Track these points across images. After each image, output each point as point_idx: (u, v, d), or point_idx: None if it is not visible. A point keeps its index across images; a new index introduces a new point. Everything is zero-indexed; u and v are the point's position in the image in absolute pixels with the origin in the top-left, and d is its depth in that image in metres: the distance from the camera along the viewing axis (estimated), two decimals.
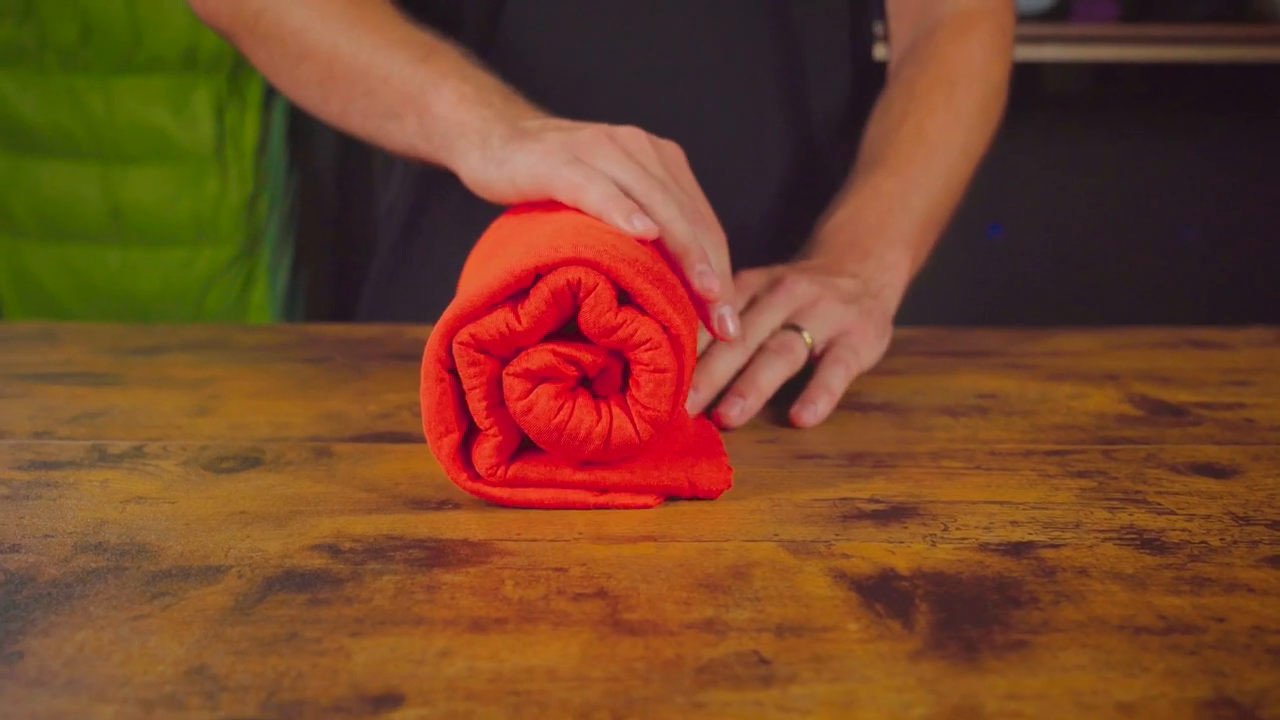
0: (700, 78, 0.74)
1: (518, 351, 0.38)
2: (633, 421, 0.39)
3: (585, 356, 0.38)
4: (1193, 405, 0.54)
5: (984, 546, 0.36)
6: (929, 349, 0.67)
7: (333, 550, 0.36)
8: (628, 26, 0.73)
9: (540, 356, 0.38)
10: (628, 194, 0.46)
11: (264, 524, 0.38)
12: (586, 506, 0.40)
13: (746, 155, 0.76)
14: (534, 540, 0.37)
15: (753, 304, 0.55)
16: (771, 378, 0.50)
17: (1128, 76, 2.11)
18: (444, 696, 0.27)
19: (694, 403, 0.49)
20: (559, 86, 0.73)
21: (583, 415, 0.38)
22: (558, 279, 0.37)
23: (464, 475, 0.40)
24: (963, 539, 0.37)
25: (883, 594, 0.33)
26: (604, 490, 0.40)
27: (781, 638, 0.30)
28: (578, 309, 0.38)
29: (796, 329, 0.53)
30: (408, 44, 0.58)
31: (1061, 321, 2.04)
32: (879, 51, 0.83)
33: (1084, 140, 2.06)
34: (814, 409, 0.50)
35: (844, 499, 0.41)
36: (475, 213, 0.58)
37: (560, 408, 0.38)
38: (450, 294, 0.64)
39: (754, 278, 0.56)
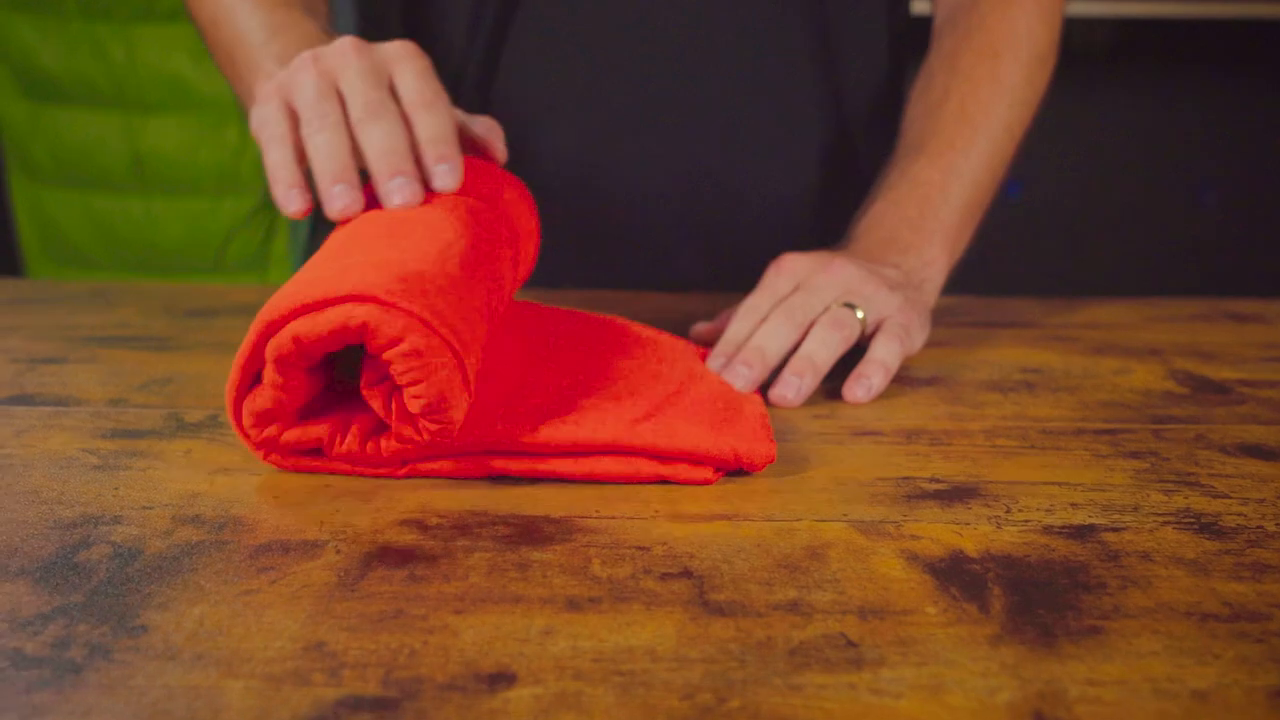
0: (734, 58, 0.74)
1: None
2: (417, 431, 0.39)
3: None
4: (1236, 383, 0.55)
5: (1048, 529, 0.38)
6: (968, 319, 0.68)
7: (421, 526, 0.37)
8: (658, 6, 0.73)
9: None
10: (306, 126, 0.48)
11: (350, 498, 0.40)
12: (649, 479, 0.41)
13: (781, 137, 0.76)
14: (613, 518, 0.38)
15: (803, 284, 0.55)
16: (826, 355, 0.51)
17: (1152, 32, 2.09)
18: (553, 676, 0.28)
19: (748, 380, 0.50)
20: (585, 70, 0.73)
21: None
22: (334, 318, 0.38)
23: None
24: (1026, 521, 0.38)
25: (955, 577, 0.34)
26: (665, 461, 0.42)
27: (865, 620, 0.31)
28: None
29: (849, 305, 0.53)
30: (266, 22, 0.59)
31: (1082, 282, 2.04)
32: (920, 5, 0.82)
33: (1107, 97, 2.05)
34: (868, 384, 0.51)
35: (905, 478, 0.42)
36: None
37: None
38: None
39: (801, 261, 0.56)
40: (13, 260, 1.82)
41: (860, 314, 0.53)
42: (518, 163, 0.76)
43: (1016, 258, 1.98)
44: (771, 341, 0.52)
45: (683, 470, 0.42)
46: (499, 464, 0.41)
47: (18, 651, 0.29)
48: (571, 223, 0.77)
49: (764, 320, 0.53)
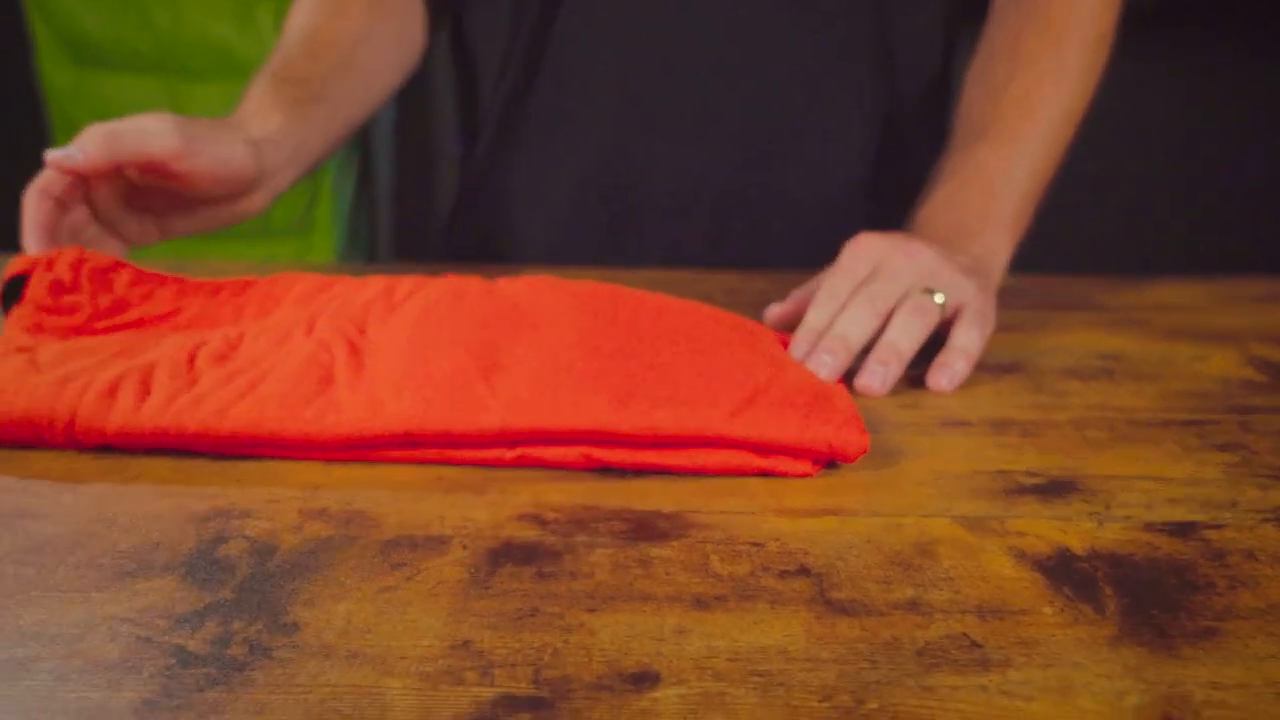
0: (785, 42, 0.74)
1: None
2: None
3: None
4: None
5: (1150, 526, 0.39)
6: (1036, 301, 0.68)
7: (539, 521, 0.39)
8: None
9: None
10: None
11: (464, 491, 0.41)
12: (750, 472, 0.43)
13: (831, 121, 0.76)
14: (722, 512, 0.39)
15: (881, 267, 0.55)
16: (910, 343, 0.52)
17: None
18: (694, 676, 0.30)
19: (831, 369, 0.50)
20: (639, 57, 0.73)
21: None
22: None
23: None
24: (1127, 518, 0.39)
25: (1066, 576, 0.35)
26: (765, 454, 0.43)
27: (985, 620, 0.33)
28: None
29: (928, 291, 0.54)
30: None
31: (1128, 252, 2.02)
32: None
33: (1154, 60, 2.01)
34: (952, 372, 0.52)
35: (1001, 472, 0.43)
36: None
37: None
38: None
39: (879, 242, 0.56)
40: None
41: (940, 300, 0.54)
42: (566, 152, 0.77)
43: (1058, 225, 1.96)
44: (854, 328, 0.52)
45: (783, 463, 0.43)
46: (600, 455, 0.42)
47: (182, 649, 0.31)
48: (622, 212, 0.78)
49: (844, 307, 0.53)
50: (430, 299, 0.52)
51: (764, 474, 0.43)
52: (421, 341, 0.48)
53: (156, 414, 0.43)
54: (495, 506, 0.40)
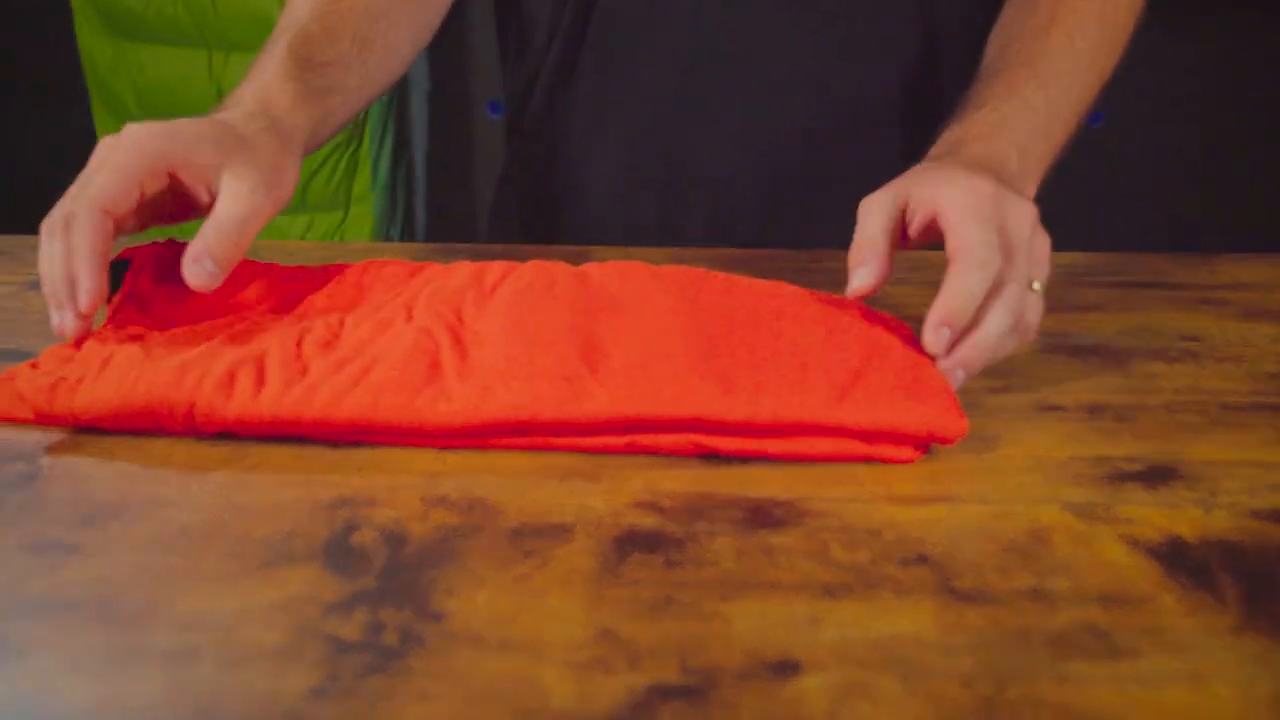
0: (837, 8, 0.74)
1: None
2: None
3: None
4: None
5: (1256, 514, 0.39)
6: (1108, 279, 0.69)
7: (656, 509, 0.40)
8: None
9: None
10: None
11: (578, 479, 0.42)
12: (854, 459, 0.43)
13: (871, 41, 0.76)
14: (834, 500, 0.40)
15: (1009, 254, 0.48)
16: (1001, 344, 0.49)
17: None
18: (834, 663, 0.31)
19: (961, 382, 0.48)
20: (692, 13, 0.74)
21: None
22: None
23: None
24: (1233, 504, 0.40)
25: (1181, 564, 0.36)
26: (868, 440, 0.43)
27: (1108, 609, 0.33)
28: None
29: (1035, 285, 0.50)
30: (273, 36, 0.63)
31: (1171, 222, 1.99)
32: None
33: (1201, 17, 1.98)
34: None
35: (1102, 458, 0.44)
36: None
37: None
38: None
39: (997, 215, 0.48)
40: None
41: (1037, 288, 0.50)
42: (617, 119, 0.78)
43: (1097, 195, 1.95)
44: (999, 345, 0.48)
45: (885, 450, 0.43)
46: (709, 442, 0.43)
47: (337, 637, 0.32)
48: (674, 180, 0.79)
49: (985, 310, 0.47)
50: (522, 286, 0.53)
51: (868, 460, 0.43)
52: (522, 329, 0.49)
53: (273, 403, 0.44)
54: (611, 494, 0.41)
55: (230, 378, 0.45)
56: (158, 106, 1.76)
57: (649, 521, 0.39)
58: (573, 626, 0.32)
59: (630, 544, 0.37)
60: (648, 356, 0.46)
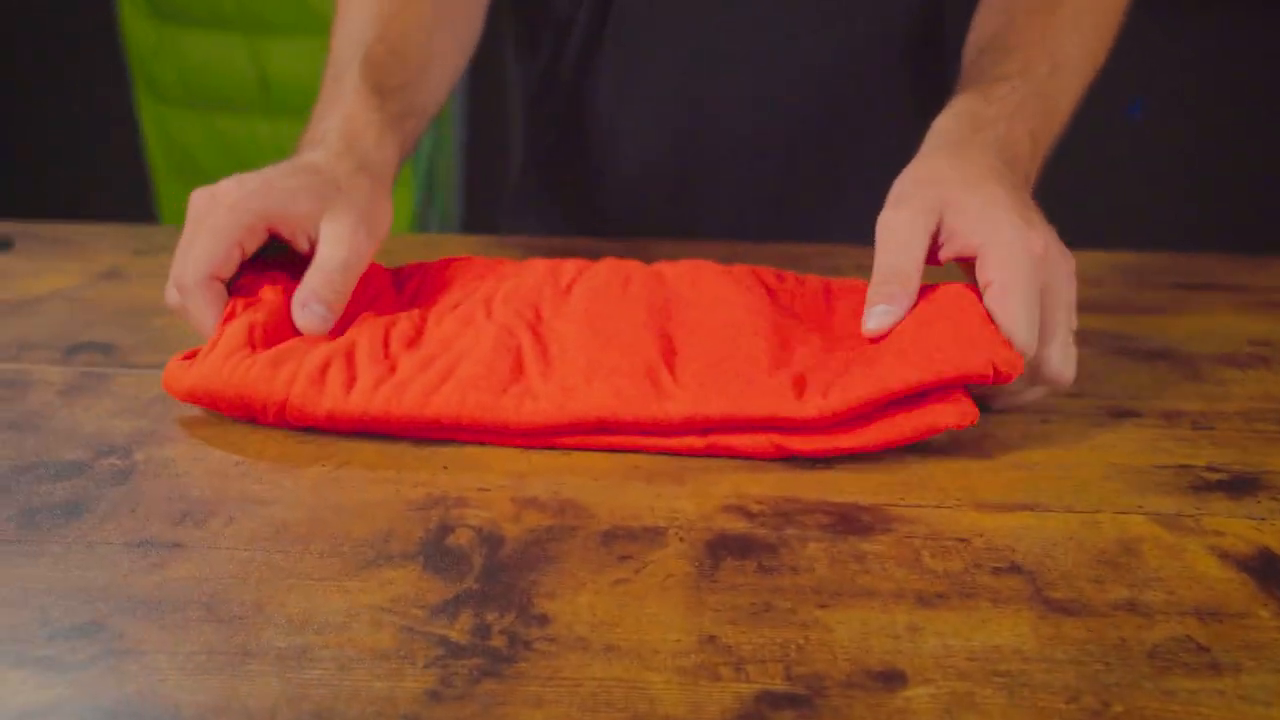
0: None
1: None
2: None
3: None
4: None
5: None
6: (1167, 280, 0.68)
7: (745, 513, 0.40)
8: None
9: None
10: None
11: (665, 481, 0.42)
12: (919, 435, 0.43)
13: (884, 10, 0.76)
14: (919, 506, 0.41)
15: (1047, 287, 0.47)
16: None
17: None
18: (938, 675, 0.31)
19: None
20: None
21: None
22: None
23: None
24: None
25: (1273, 577, 0.36)
26: (935, 399, 0.43)
27: (1205, 623, 0.34)
28: None
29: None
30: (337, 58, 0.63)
31: (1215, 216, 1.96)
32: None
33: (1251, 12, 1.95)
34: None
35: (1183, 466, 0.44)
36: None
37: None
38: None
39: (1045, 256, 0.46)
40: (144, 181, 1.87)
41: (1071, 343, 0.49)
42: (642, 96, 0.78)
43: (1137, 188, 1.93)
44: (1069, 370, 0.47)
45: (949, 413, 0.43)
46: (789, 444, 0.44)
47: (446, 639, 0.32)
48: (697, 152, 0.79)
49: (1049, 339, 0.47)
50: (599, 284, 0.53)
51: (931, 432, 0.43)
52: (600, 328, 0.49)
53: (364, 400, 0.44)
54: (699, 497, 0.41)
55: (322, 374, 0.45)
56: (199, 90, 1.77)
57: (739, 526, 0.39)
58: (676, 632, 0.33)
59: (723, 549, 0.37)
60: (723, 357, 0.47)
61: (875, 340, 0.48)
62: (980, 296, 0.46)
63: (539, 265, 0.56)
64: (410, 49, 0.64)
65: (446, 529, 0.38)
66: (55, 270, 0.67)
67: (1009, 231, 0.46)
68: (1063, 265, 0.47)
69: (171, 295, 0.50)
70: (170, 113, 1.80)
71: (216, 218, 0.49)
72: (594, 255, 0.59)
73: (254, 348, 0.46)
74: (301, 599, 0.34)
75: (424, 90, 0.65)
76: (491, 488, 0.41)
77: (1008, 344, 0.44)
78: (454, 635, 0.33)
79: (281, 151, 0.63)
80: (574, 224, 0.83)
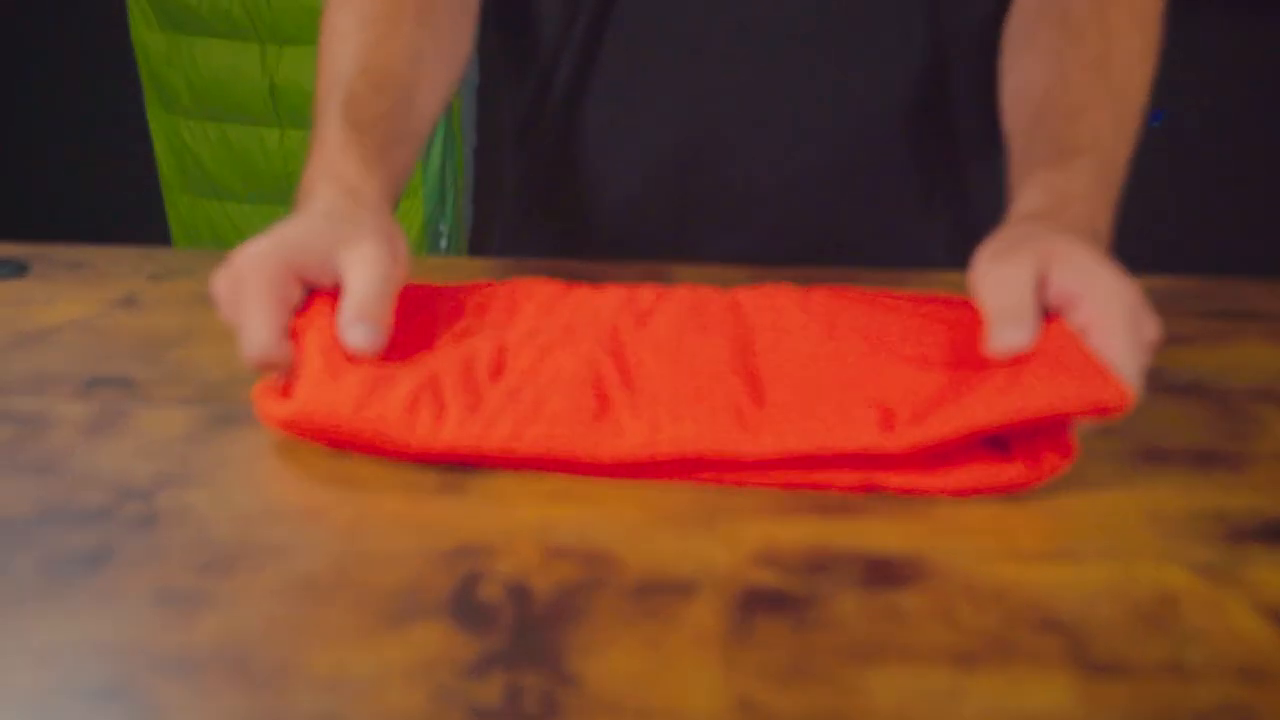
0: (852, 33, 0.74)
1: None
2: None
3: None
4: None
5: None
6: (1201, 308, 0.67)
7: (775, 563, 0.39)
8: None
9: None
10: None
11: (694, 527, 0.42)
12: (1008, 487, 0.44)
13: (880, 46, 0.75)
14: (955, 553, 0.40)
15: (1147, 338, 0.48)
16: None
17: None
18: None
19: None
20: (707, 31, 0.73)
21: None
22: None
23: None
24: None
25: None
26: (1032, 440, 0.44)
27: (1248, 684, 0.33)
28: None
29: None
30: (321, 98, 0.64)
31: (1236, 226, 1.95)
32: None
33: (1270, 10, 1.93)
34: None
35: (1219, 513, 0.43)
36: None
37: None
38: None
39: (1130, 362, 0.46)
40: (154, 191, 1.87)
41: None
42: (635, 128, 0.78)
43: (1158, 197, 1.92)
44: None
45: (1046, 462, 0.44)
46: (879, 480, 0.44)
47: (478, 703, 0.32)
48: (693, 196, 0.79)
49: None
50: (682, 312, 0.54)
51: (1025, 484, 0.43)
52: (683, 361, 0.50)
53: (453, 436, 0.45)
54: (729, 546, 0.40)
55: (412, 408, 0.46)
56: (210, 99, 1.77)
57: (770, 578, 0.38)
58: (711, 694, 0.32)
59: (755, 603, 0.37)
60: (807, 390, 0.47)
61: (982, 366, 0.48)
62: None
63: (615, 291, 0.57)
64: (390, 80, 0.64)
65: (474, 580, 0.38)
66: (71, 298, 0.67)
67: (1113, 281, 0.48)
68: (1147, 328, 0.48)
69: (259, 364, 0.49)
70: (181, 123, 1.80)
71: (249, 286, 0.49)
72: (621, 277, 0.59)
73: (334, 376, 0.47)
74: (331, 657, 0.34)
75: (410, 117, 0.65)
76: (518, 535, 0.41)
77: (1115, 379, 0.44)
78: (486, 698, 0.32)
79: (291, 161, 0.64)
80: (566, 249, 0.83)
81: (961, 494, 0.44)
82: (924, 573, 0.39)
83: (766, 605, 0.37)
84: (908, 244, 0.80)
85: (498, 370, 0.50)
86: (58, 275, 0.71)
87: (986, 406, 0.43)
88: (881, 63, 0.75)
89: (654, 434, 0.45)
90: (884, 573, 0.39)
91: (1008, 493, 0.44)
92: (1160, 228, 1.88)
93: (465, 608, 0.36)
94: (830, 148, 0.77)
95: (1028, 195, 0.58)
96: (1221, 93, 1.96)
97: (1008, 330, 0.47)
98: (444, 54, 0.70)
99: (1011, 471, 0.44)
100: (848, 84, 0.75)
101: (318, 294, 0.51)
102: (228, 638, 0.35)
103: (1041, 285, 0.49)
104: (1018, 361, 0.46)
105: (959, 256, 0.82)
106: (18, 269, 0.73)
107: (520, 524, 0.42)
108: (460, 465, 0.45)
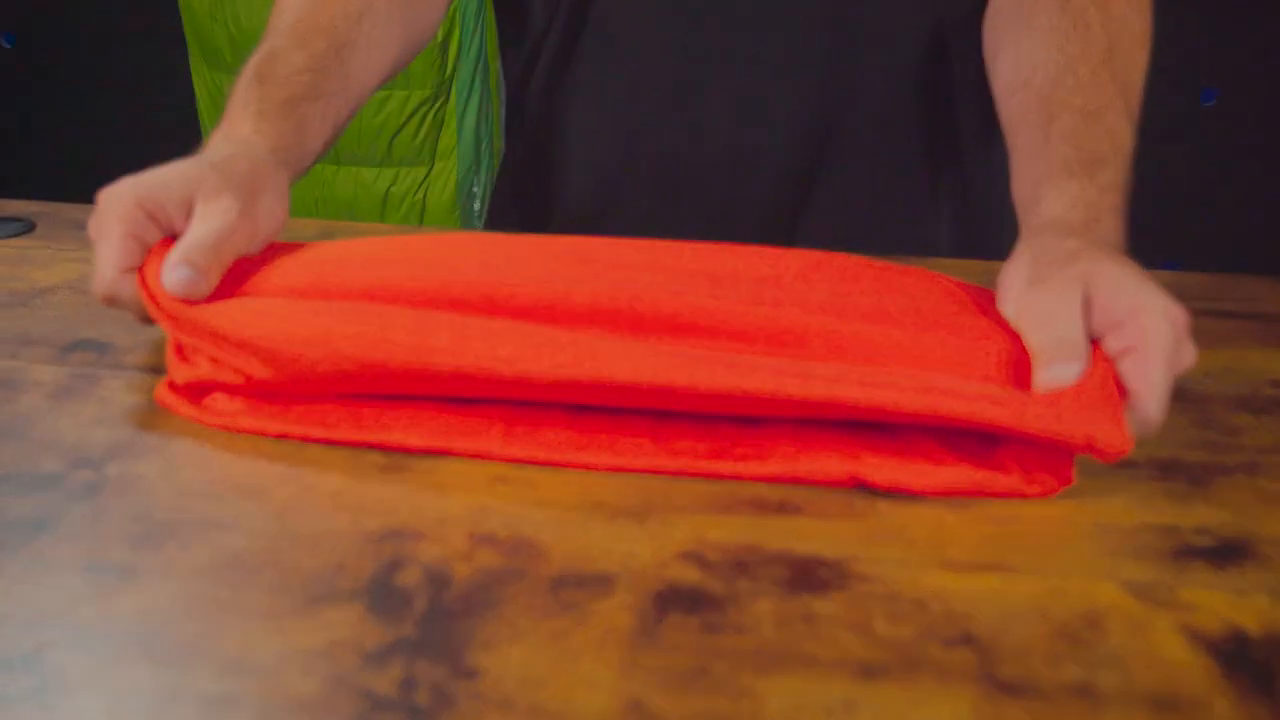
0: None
1: None
2: None
3: None
4: None
5: None
6: (1198, 304, 0.65)
7: (700, 561, 0.39)
8: None
9: None
10: None
11: (626, 519, 0.42)
12: (997, 494, 0.44)
13: (876, 31, 0.74)
14: (883, 561, 0.39)
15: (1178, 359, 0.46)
16: None
17: None
18: None
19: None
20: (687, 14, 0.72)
21: None
22: None
23: None
24: None
25: (1241, 663, 0.34)
26: (1021, 460, 0.44)
27: (1158, 713, 0.32)
28: None
29: None
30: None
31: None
32: None
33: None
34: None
35: (1170, 528, 0.42)
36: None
37: None
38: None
39: (1161, 386, 0.45)
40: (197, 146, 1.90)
41: None
42: (610, 116, 0.77)
43: (1208, 179, 1.86)
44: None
45: (1034, 480, 0.44)
46: (865, 475, 0.44)
47: (371, 691, 0.32)
48: (671, 176, 0.77)
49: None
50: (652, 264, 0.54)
51: (1019, 494, 0.43)
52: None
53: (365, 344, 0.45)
54: (658, 541, 0.40)
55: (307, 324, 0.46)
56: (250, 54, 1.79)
57: (691, 576, 0.38)
58: (603, 696, 0.32)
59: (670, 602, 0.37)
60: (791, 337, 0.47)
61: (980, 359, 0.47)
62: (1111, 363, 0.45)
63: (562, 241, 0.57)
64: (319, 34, 0.65)
65: (396, 566, 0.38)
66: (69, 258, 0.68)
67: (1158, 301, 0.45)
68: (1186, 355, 0.46)
69: (103, 298, 0.51)
70: (222, 77, 1.82)
71: (104, 219, 0.51)
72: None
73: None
74: (239, 639, 0.34)
75: (335, 74, 0.65)
76: (451, 520, 0.41)
77: (1121, 423, 0.42)
78: (381, 687, 0.32)
79: None
80: (553, 225, 0.82)
81: (949, 494, 0.43)
82: (847, 578, 0.38)
83: (681, 605, 0.37)
84: (910, 231, 0.79)
85: (425, 299, 0.49)
86: (61, 235, 0.73)
87: (993, 404, 0.42)
88: (882, 47, 0.73)
89: (640, 360, 0.44)
90: (807, 577, 0.38)
91: (993, 498, 0.43)
92: (1187, 216, 1.83)
93: (381, 593, 0.37)
94: (830, 133, 0.75)
95: (1054, 205, 0.55)
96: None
97: (1057, 367, 0.45)
98: (397, 11, 0.70)
99: (1005, 482, 0.43)
100: (848, 69, 0.73)
101: (169, 240, 0.52)
102: (145, 614, 0.35)
103: (1086, 310, 0.47)
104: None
105: (962, 243, 0.81)
106: (27, 227, 0.74)
107: (455, 509, 0.42)
108: (387, 436, 0.46)
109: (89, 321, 0.58)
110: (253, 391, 0.47)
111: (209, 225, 0.51)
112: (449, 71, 1.73)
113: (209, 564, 0.38)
